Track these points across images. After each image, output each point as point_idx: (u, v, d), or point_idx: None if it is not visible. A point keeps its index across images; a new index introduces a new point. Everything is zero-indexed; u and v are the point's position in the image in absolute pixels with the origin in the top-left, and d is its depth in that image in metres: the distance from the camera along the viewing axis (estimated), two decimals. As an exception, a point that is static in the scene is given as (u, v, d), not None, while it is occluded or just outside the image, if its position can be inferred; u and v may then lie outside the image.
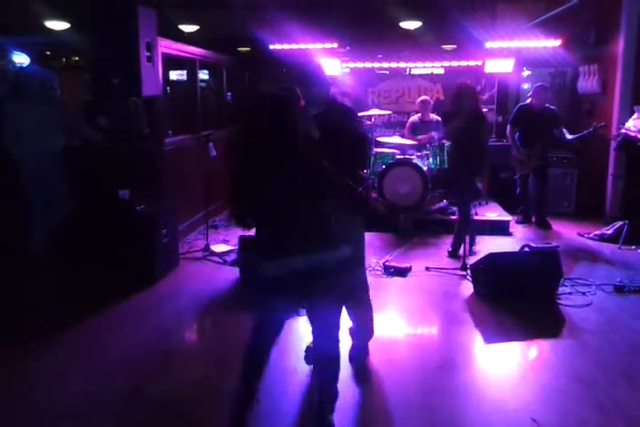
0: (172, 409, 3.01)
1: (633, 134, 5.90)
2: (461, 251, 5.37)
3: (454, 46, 8.90)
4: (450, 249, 5.64)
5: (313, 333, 2.69)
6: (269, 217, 2.51)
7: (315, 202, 2.48)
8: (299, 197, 2.43)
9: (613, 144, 6.46)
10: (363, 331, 3.44)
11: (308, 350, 3.43)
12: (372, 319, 3.46)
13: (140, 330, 4.01)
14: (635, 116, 6.09)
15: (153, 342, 3.84)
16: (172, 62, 7.12)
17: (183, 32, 9.13)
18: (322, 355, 2.71)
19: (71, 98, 6.31)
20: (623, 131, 6.10)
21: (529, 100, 6.74)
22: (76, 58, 7.02)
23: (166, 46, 5.91)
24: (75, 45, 6.17)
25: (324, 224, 2.51)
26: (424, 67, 8.16)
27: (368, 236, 3.48)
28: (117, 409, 3.01)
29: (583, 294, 4.61)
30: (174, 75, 8.05)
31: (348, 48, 8.42)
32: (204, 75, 8.22)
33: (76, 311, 4.24)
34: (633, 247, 5.81)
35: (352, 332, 3.49)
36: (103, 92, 5.39)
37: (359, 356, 3.42)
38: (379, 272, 5.10)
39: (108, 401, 3.08)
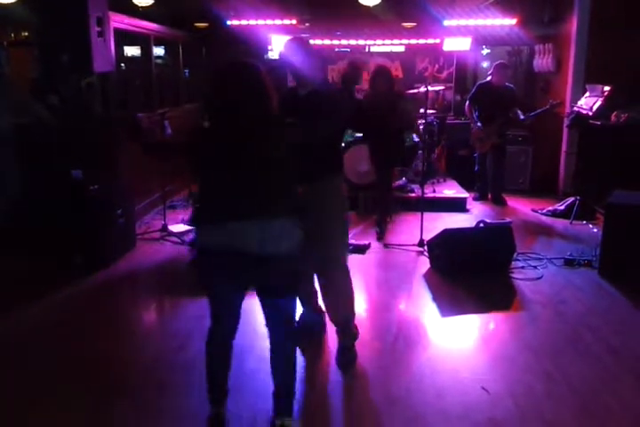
0: (127, 388, 3.01)
1: (584, 112, 6.04)
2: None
3: (414, 24, 8.88)
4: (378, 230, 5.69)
5: (267, 326, 2.54)
6: (224, 187, 2.35)
7: (280, 176, 2.35)
8: (262, 170, 2.30)
9: (566, 122, 6.61)
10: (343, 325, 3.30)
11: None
12: (350, 307, 3.31)
13: (95, 311, 3.98)
14: (587, 94, 6.23)
15: (109, 323, 3.82)
16: (126, 38, 6.93)
17: (138, 6, 8.86)
18: (279, 355, 2.55)
19: (20, 75, 6.09)
20: (575, 108, 6.24)
21: (489, 78, 6.82)
22: (25, 33, 6.76)
23: (118, 21, 5.74)
24: (23, 20, 5.93)
25: (283, 195, 2.38)
26: (383, 44, 8.16)
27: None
28: (76, 388, 3.00)
29: (535, 267, 4.76)
30: (129, 51, 7.84)
31: (307, 25, 8.33)
32: (159, 50, 8.03)
33: (28, 294, 4.17)
34: (584, 222, 6.00)
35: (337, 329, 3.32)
36: (52, 68, 5.22)
37: (347, 360, 3.24)
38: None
39: (63, 382, 3.07)
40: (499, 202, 6.86)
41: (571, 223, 6.00)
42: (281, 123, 2.41)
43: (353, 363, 3.23)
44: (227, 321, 2.56)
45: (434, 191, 6.69)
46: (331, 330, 3.48)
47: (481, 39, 7.98)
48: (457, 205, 6.55)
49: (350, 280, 3.28)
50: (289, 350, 2.58)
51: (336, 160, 3.17)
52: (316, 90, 3.00)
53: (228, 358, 2.61)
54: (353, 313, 3.34)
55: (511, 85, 6.80)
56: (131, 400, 2.91)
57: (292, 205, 2.41)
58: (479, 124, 6.75)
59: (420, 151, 6.63)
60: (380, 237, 5.55)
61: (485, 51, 8.65)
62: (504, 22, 7.50)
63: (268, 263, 2.34)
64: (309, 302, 3.51)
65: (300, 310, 3.44)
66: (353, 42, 8.09)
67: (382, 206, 5.79)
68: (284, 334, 2.55)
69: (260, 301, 2.52)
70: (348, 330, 3.31)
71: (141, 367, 3.24)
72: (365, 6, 8.11)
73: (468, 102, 6.94)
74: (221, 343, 2.59)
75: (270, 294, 2.48)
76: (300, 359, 3.20)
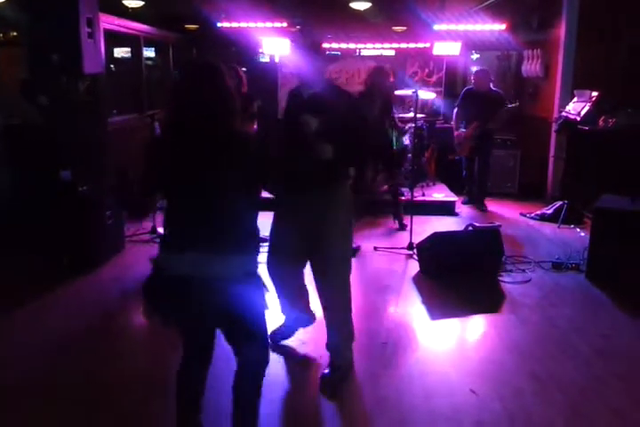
0: (118, 393, 2.99)
1: (572, 117, 6.09)
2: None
3: (404, 28, 8.93)
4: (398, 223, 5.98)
5: (236, 356, 2.33)
6: (183, 204, 2.19)
7: (236, 194, 2.15)
8: (219, 184, 2.12)
9: (554, 126, 6.66)
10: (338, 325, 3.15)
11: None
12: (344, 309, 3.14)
13: (83, 314, 3.95)
14: (575, 99, 6.29)
15: (98, 326, 3.79)
16: (116, 39, 6.92)
17: (128, 8, 8.84)
18: (242, 392, 2.31)
19: (9, 75, 6.05)
20: (563, 114, 6.29)
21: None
22: (14, 33, 6.72)
23: (108, 22, 5.73)
24: (12, 20, 5.89)
25: (240, 223, 2.18)
26: (373, 48, 8.19)
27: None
28: (64, 392, 2.97)
29: (523, 271, 4.79)
30: (120, 52, 7.82)
31: (297, 28, 8.35)
32: (149, 52, 8.01)
33: (16, 296, 4.13)
34: (571, 226, 6.05)
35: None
36: (42, 69, 5.18)
37: (332, 382, 3.04)
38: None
39: (52, 385, 3.04)
40: (479, 207, 6.85)
41: (559, 227, 6.04)
42: (246, 139, 2.21)
43: (337, 386, 3.01)
44: (198, 354, 2.41)
45: (423, 195, 6.71)
46: (321, 329, 3.48)
47: (470, 44, 8.04)
48: (446, 209, 6.58)
49: (350, 295, 3.14)
50: (252, 393, 2.31)
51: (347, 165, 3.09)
52: (320, 92, 2.99)
53: (202, 391, 2.41)
54: (352, 330, 3.18)
55: (498, 90, 6.84)
56: (125, 401, 2.89)
57: (250, 229, 2.23)
58: (456, 131, 6.81)
59: (409, 155, 6.65)
60: (401, 227, 5.90)
61: (475, 55, 8.71)
62: (493, 27, 7.57)
63: (228, 294, 2.11)
64: (299, 302, 3.42)
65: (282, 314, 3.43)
66: (343, 45, 8.13)
67: (395, 203, 6.03)
68: (251, 372, 2.31)
69: (226, 337, 2.32)
70: (341, 349, 3.14)
71: (140, 366, 3.23)
72: (356, 10, 8.17)
73: (456, 109, 6.97)
74: (194, 373, 2.40)
75: (234, 330, 2.26)
76: (289, 360, 3.22)
